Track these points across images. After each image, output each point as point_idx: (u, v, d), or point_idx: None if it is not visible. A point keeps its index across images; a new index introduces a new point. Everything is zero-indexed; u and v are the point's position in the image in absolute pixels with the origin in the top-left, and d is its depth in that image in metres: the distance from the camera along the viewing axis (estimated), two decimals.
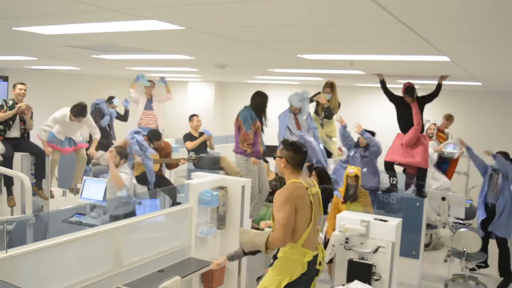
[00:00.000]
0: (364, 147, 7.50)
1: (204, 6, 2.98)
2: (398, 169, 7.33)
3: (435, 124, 9.08)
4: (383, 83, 7.30)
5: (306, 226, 3.73)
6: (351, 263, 5.30)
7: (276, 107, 7.91)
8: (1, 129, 6.89)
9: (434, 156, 8.62)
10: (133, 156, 6.64)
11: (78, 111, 7.31)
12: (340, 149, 9.13)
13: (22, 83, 7.10)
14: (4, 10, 3.52)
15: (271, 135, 7.49)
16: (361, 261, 5.27)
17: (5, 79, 11.58)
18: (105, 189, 6.17)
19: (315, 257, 3.84)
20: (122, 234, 4.48)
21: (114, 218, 5.39)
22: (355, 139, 7.76)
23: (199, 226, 5.25)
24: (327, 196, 6.30)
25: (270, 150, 6.80)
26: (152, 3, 2.94)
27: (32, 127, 7.24)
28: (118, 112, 9.69)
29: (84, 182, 6.65)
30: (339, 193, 6.45)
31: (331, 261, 5.62)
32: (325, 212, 6.26)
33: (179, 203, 5.78)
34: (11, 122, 6.95)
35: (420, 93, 7.06)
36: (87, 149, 8.07)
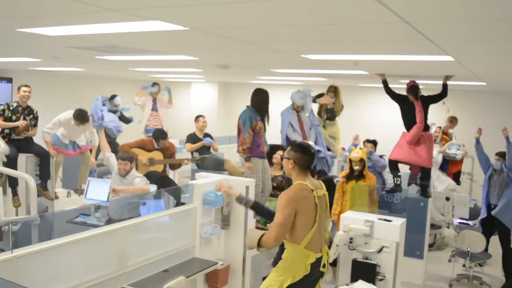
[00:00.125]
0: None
1: (207, 6, 2.98)
2: (402, 169, 7.31)
3: (440, 128, 9.09)
4: (385, 83, 7.30)
5: (310, 228, 3.71)
6: (355, 263, 5.29)
7: (279, 107, 7.92)
8: (7, 133, 6.93)
9: (438, 158, 8.62)
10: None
11: (79, 116, 7.35)
12: (343, 148, 9.14)
13: (26, 86, 7.12)
14: (8, 11, 3.53)
15: (273, 135, 7.51)
16: (365, 261, 5.27)
17: (9, 80, 11.61)
18: (109, 190, 6.18)
19: (319, 259, 3.81)
20: (126, 234, 4.49)
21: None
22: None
23: (203, 226, 5.26)
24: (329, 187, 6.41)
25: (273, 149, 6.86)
26: (155, 4, 2.94)
27: (34, 135, 7.26)
28: (122, 112, 9.67)
29: (88, 183, 6.67)
30: (339, 178, 6.61)
31: (335, 261, 5.63)
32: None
33: (183, 204, 5.79)
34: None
35: (423, 93, 7.06)
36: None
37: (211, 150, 8.17)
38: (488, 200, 7.15)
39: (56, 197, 7.63)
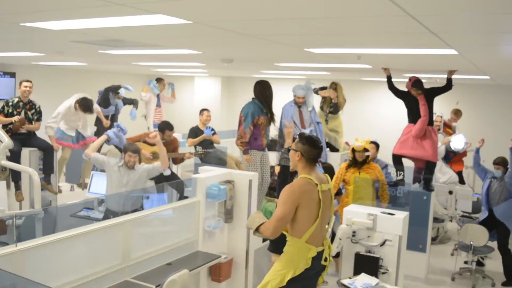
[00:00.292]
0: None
1: (211, 0, 2.99)
2: (406, 162, 7.31)
3: (441, 117, 9.06)
4: (389, 79, 7.27)
5: (312, 222, 3.69)
6: (358, 256, 5.31)
7: (282, 102, 7.91)
8: (11, 127, 6.96)
9: (441, 150, 8.59)
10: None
11: (84, 105, 7.42)
12: (347, 143, 9.13)
13: (28, 81, 7.14)
14: (12, 6, 3.54)
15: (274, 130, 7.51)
16: (368, 254, 5.28)
17: (13, 75, 11.63)
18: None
19: (320, 252, 3.80)
20: (130, 228, 4.51)
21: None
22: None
23: (206, 220, 5.27)
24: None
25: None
26: None
27: (37, 129, 7.28)
28: (125, 98, 9.64)
29: (92, 176, 6.69)
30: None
31: (338, 255, 5.64)
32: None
33: (186, 197, 5.81)
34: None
35: (427, 87, 7.05)
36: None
37: (215, 145, 8.19)
38: (489, 206, 7.13)
39: (60, 191, 7.67)
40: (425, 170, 7.13)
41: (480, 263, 7.31)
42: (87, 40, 5.39)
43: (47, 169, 7.18)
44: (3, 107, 7.01)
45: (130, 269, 4.41)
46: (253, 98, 6.38)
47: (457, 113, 9.65)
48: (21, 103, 7.06)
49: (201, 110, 8.41)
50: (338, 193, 6.82)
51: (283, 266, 3.75)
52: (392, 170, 7.57)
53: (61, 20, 4.05)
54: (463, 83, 10.59)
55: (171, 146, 7.09)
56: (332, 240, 4.97)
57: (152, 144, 6.90)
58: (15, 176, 6.87)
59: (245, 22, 3.82)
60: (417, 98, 6.93)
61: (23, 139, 7.01)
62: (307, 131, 7.17)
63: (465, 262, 7.24)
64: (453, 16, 3.19)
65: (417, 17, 3.16)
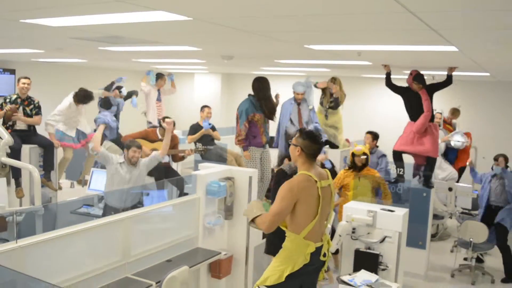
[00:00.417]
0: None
1: None
2: (406, 159, 7.31)
3: (441, 113, 9.06)
4: (388, 76, 7.25)
5: (311, 219, 3.68)
6: (357, 253, 5.32)
7: (282, 98, 7.91)
8: (10, 124, 6.96)
9: (441, 146, 8.60)
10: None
11: (83, 96, 7.44)
12: (347, 140, 9.13)
13: (26, 78, 7.15)
14: (12, 3, 3.53)
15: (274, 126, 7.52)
16: (368, 251, 5.29)
17: (12, 72, 11.61)
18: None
19: (319, 248, 3.78)
20: (130, 224, 4.51)
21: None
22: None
23: (206, 217, 5.28)
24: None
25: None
26: None
27: (38, 123, 7.27)
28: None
29: (92, 173, 6.70)
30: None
31: (337, 252, 5.65)
32: None
33: (186, 194, 5.82)
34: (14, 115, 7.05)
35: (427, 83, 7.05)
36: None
37: (215, 141, 8.19)
38: (488, 202, 7.14)
39: (60, 188, 7.67)
40: (425, 166, 7.13)
41: (479, 260, 7.32)
42: (87, 36, 5.38)
43: (47, 166, 7.18)
44: (1, 104, 7.01)
45: (130, 265, 4.42)
46: (249, 95, 6.39)
47: (454, 113, 9.63)
48: (19, 100, 7.07)
49: (202, 106, 8.42)
50: None
51: (282, 262, 3.74)
52: (392, 166, 7.57)
53: (61, 17, 4.04)
54: (463, 80, 10.58)
55: (172, 143, 7.08)
56: (332, 237, 4.97)
57: (153, 141, 6.90)
58: (15, 173, 6.87)
59: (245, 18, 3.82)
60: (417, 94, 6.91)
61: (23, 136, 7.01)
62: None
63: (465, 259, 7.26)
64: (454, 13, 3.19)
65: (418, 13, 3.16)
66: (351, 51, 5.83)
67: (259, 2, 3.10)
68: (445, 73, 7.03)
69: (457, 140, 8.66)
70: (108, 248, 4.33)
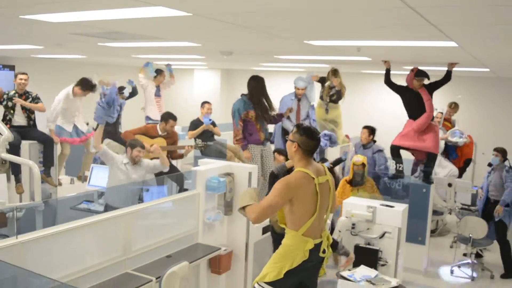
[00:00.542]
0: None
1: None
2: (405, 155, 7.32)
3: (442, 113, 9.07)
4: (387, 73, 7.23)
5: (309, 216, 3.64)
6: (357, 248, 5.34)
7: (282, 94, 7.92)
8: (9, 118, 6.97)
9: (441, 144, 8.61)
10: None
11: (85, 83, 7.50)
12: (347, 136, 9.13)
13: (23, 73, 7.17)
14: None
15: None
16: (368, 246, 5.31)
17: (12, 68, 11.60)
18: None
19: (318, 245, 3.74)
20: (130, 220, 4.52)
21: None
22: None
23: (206, 212, 5.29)
24: None
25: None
26: None
27: (42, 109, 7.27)
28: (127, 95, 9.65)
29: (92, 169, 6.70)
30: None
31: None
32: None
33: (186, 190, 5.82)
34: (12, 111, 7.05)
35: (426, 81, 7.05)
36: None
37: (215, 137, 8.19)
38: (487, 194, 7.16)
39: (60, 184, 7.68)
40: (426, 162, 7.14)
41: (479, 255, 7.33)
42: (87, 32, 5.38)
43: (47, 162, 7.18)
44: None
45: (130, 261, 4.43)
46: (241, 95, 6.40)
47: (453, 107, 9.55)
48: (16, 95, 7.08)
49: (202, 102, 8.42)
50: None
51: (281, 259, 3.71)
52: (391, 163, 7.58)
53: (61, 13, 4.04)
54: (463, 75, 10.59)
55: (171, 139, 7.09)
56: (331, 233, 4.98)
57: (153, 137, 6.90)
58: (15, 169, 6.88)
59: (245, 14, 3.82)
60: (416, 92, 6.91)
61: (22, 131, 7.02)
62: None
63: (464, 255, 7.27)
64: (453, 8, 3.19)
65: (417, 8, 3.16)
66: (351, 47, 5.82)
67: None
68: (445, 69, 7.03)
69: (456, 140, 8.70)
70: (108, 244, 4.33)
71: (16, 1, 3.62)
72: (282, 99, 7.67)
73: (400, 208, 5.33)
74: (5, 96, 7.04)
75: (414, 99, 6.95)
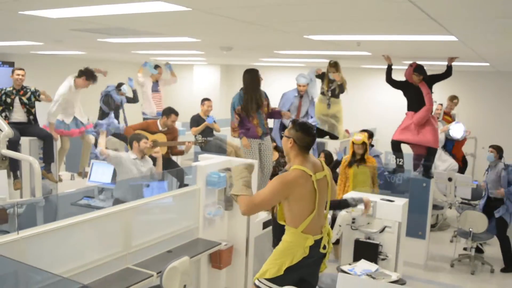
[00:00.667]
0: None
1: None
2: (405, 150, 7.31)
3: (441, 105, 9.05)
4: (389, 70, 7.22)
5: (308, 214, 3.62)
6: (357, 243, 5.34)
7: (282, 89, 7.91)
8: (6, 115, 6.97)
9: (441, 137, 8.60)
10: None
11: (88, 73, 7.51)
12: (347, 131, 9.13)
13: (20, 69, 7.19)
14: None
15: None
16: (368, 240, 5.32)
17: (11, 64, 11.59)
18: (114, 172, 6.22)
19: (318, 241, 3.71)
20: (130, 215, 4.53)
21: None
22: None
23: (206, 207, 5.29)
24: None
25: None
26: None
27: (50, 100, 7.30)
28: (128, 96, 9.71)
29: (92, 165, 6.71)
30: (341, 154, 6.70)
31: (337, 242, 5.66)
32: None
33: (186, 185, 5.83)
34: (11, 107, 7.05)
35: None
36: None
37: (214, 133, 8.20)
38: (487, 190, 7.17)
39: (60, 180, 7.68)
40: (426, 157, 7.13)
41: (479, 250, 7.34)
42: (86, 28, 5.37)
43: (47, 158, 7.18)
44: None
45: (131, 256, 4.43)
46: (240, 89, 6.40)
47: (453, 100, 9.50)
48: (14, 91, 7.09)
49: (202, 100, 8.42)
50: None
51: (281, 255, 3.69)
52: (391, 157, 7.58)
53: (60, 8, 4.04)
54: (462, 70, 10.58)
55: (171, 135, 7.10)
56: (332, 227, 4.98)
57: (153, 133, 6.91)
58: (13, 166, 6.87)
59: (245, 9, 3.81)
60: (416, 87, 6.91)
61: (21, 128, 7.01)
62: None
63: (464, 249, 7.28)
64: (453, 2, 3.19)
65: (417, 2, 3.15)
66: (351, 41, 5.82)
67: None
68: (445, 63, 7.02)
69: (456, 133, 8.68)
70: (109, 239, 4.34)
71: None
72: (284, 95, 7.66)
73: (400, 203, 5.33)
74: (2, 92, 7.04)
75: (414, 94, 6.95)
